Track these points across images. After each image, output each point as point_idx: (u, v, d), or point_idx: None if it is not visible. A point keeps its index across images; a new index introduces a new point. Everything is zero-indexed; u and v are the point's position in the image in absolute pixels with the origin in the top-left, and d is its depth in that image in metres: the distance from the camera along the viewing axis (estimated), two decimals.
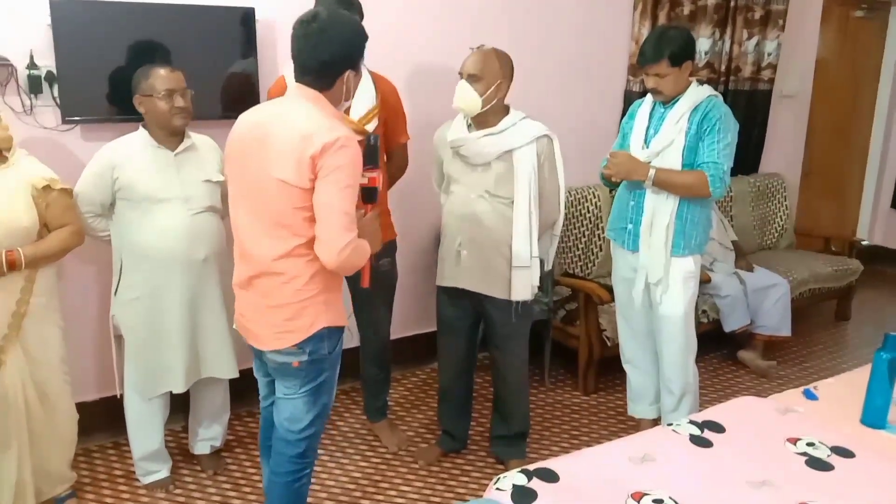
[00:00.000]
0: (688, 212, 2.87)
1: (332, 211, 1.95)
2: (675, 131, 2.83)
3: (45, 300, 2.44)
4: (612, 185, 3.08)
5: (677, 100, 2.86)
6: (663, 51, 2.78)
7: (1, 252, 2.28)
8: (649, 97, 2.99)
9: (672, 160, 2.83)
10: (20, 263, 2.32)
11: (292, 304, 2.06)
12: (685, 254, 2.91)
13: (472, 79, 2.61)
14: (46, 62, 2.75)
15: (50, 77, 2.76)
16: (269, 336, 2.12)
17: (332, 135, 1.92)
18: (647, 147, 2.90)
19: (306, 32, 2.00)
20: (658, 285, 2.94)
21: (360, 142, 2.05)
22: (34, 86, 2.74)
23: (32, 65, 2.73)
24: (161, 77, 2.53)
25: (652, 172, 2.80)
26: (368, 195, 2.19)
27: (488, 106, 2.64)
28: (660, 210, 2.88)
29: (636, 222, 2.97)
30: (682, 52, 2.80)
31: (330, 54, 2.00)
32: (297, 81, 2.07)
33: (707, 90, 2.88)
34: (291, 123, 1.98)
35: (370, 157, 2.18)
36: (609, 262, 4.16)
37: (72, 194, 2.51)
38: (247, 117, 2.13)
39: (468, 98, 2.62)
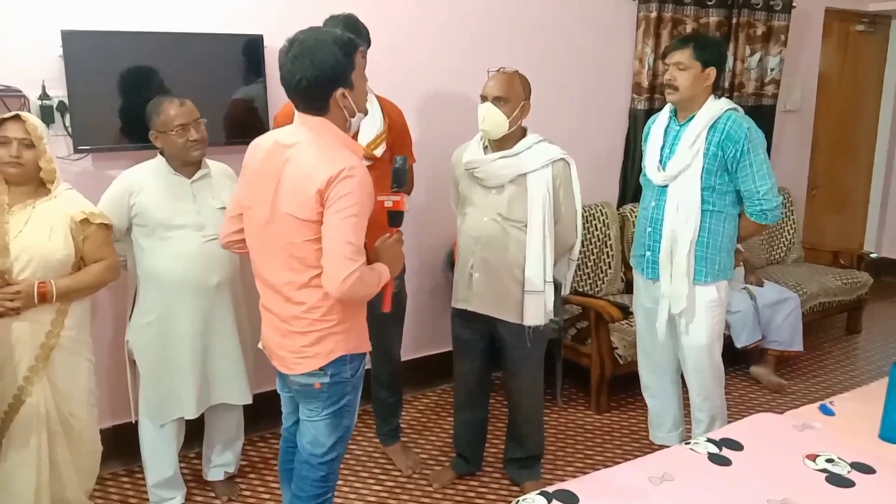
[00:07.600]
0: (709, 236, 2.72)
1: (335, 241, 1.93)
2: (692, 153, 2.67)
3: (75, 333, 2.43)
4: None
5: (693, 116, 2.71)
6: (690, 41, 2.68)
7: (33, 283, 2.29)
8: (664, 113, 2.84)
9: (690, 184, 2.68)
10: (51, 296, 2.31)
11: (312, 332, 2.06)
12: (708, 281, 2.77)
13: (499, 101, 2.58)
14: (58, 92, 2.78)
15: (62, 107, 2.79)
16: (290, 359, 2.12)
17: (335, 167, 1.90)
18: (664, 170, 2.75)
19: (286, 60, 1.96)
20: (682, 316, 2.78)
21: (376, 163, 2.01)
22: (46, 116, 2.76)
23: (44, 95, 2.75)
24: (173, 112, 2.54)
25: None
26: (394, 218, 2.18)
27: (513, 128, 2.62)
28: (679, 236, 2.71)
29: (654, 250, 2.81)
30: (709, 52, 2.66)
31: (312, 75, 1.94)
32: (298, 111, 2.05)
33: (724, 104, 2.71)
34: (298, 159, 1.97)
35: (397, 180, 2.17)
36: (618, 281, 4.22)
37: (110, 229, 2.50)
38: (261, 145, 2.11)
39: (496, 120, 2.58)
